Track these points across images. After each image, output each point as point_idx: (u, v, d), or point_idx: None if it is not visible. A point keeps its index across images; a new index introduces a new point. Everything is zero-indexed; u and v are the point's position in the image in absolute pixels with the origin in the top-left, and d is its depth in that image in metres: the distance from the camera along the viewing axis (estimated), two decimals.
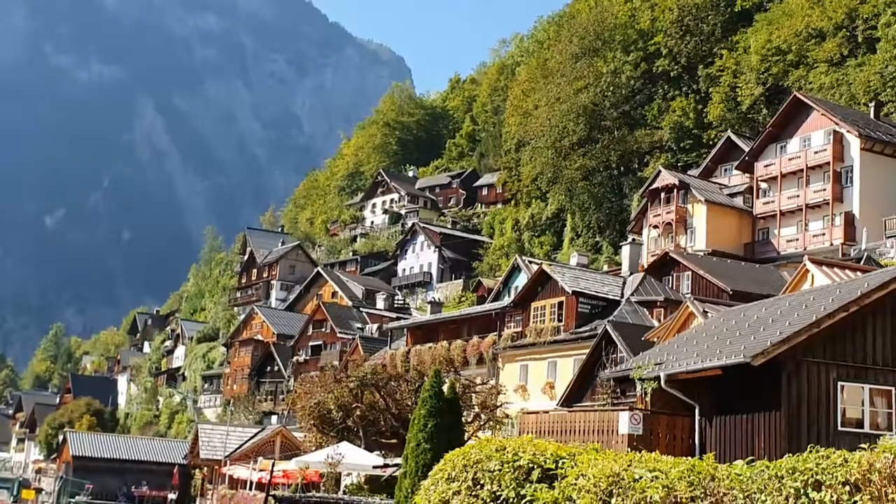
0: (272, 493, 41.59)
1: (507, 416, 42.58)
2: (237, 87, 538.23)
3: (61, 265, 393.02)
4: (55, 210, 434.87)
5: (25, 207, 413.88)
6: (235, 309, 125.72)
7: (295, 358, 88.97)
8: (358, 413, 43.12)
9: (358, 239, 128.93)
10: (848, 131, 59.45)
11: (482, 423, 42.38)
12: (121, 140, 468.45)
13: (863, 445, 7.27)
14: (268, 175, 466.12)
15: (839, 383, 21.96)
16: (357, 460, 38.76)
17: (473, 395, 43.01)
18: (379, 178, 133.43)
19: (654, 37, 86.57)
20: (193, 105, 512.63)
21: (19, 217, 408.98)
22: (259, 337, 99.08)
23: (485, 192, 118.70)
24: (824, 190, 60.24)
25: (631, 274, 57.96)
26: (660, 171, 69.02)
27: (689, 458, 8.20)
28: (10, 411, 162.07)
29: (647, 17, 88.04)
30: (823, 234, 59.82)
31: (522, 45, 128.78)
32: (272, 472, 43.53)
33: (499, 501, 8.98)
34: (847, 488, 6.86)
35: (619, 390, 30.56)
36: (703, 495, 7.52)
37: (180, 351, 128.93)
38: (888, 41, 64.43)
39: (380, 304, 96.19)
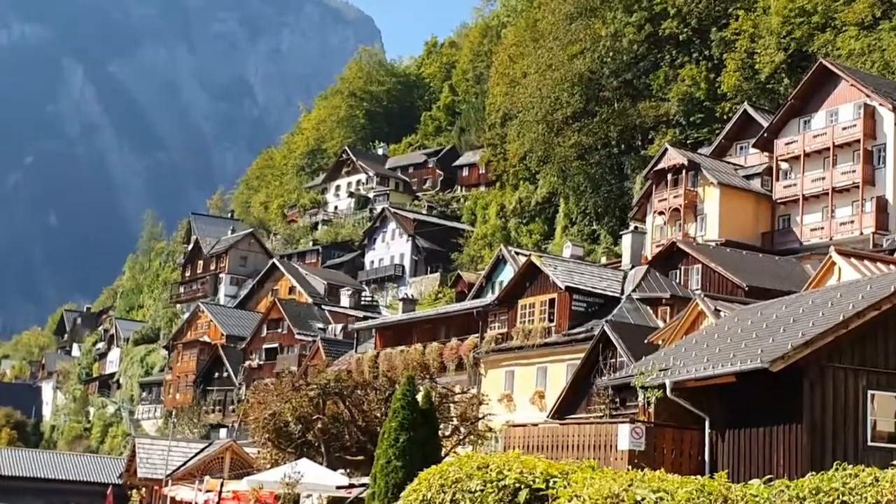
0: None
1: (491, 429, 42.62)
2: (180, 51, 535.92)
3: None
4: None
5: None
6: (178, 306, 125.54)
7: (247, 363, 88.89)
8: (319, 426, 43.09)
9: (319, 226, 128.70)
10: (881, 104, 59.66)
11: (462, 437, 42.43)
12: (45, 112, 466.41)
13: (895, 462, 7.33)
14: (216, 153, 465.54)
15: (869, 392, 22.07)
16: (318, 479, 38.74)
17: (452, 405, 43.03)
18: (344, 156, 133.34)
19: None
20: (129, 71, 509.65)
21: None
22: (205, 338, 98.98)
23: (465, 172, 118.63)
24: (853, 171, 60.44)
25: (633, 267, 58.16)
26: (666, 150, 69.12)
27: (699, 476, 8.24)
28: None
29: None
30: (852, 222, 60.10)
31: (509, 4, 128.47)
32: (220, 493, 43.46)
33: None
34: None
35: (618, 400, 30.68)
36: None
37: (114, 354, 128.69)
38: None
39: (344, 301, 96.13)
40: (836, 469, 7.37)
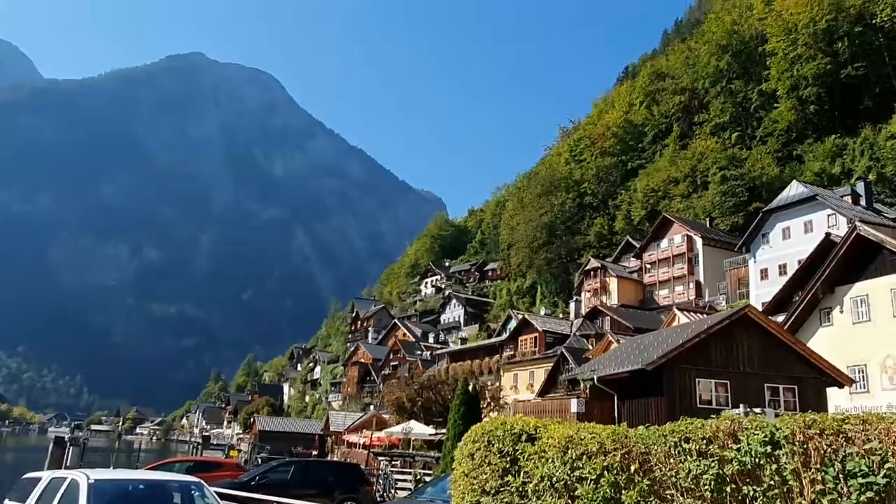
0: (372, 450, 41.03)
1: (506, 403, 42.00)
2: (349, 219, 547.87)
3: (252, 322, 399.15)
4: (247, 290, 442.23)
5: (228, 290, 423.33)
6: (348, 344, 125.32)
7: (382, 372, 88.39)
8: (420, 403, 42.70)
9: (417, 303, 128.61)
10: (695, 234, 59.29)
11: (491, 408, 41.85)
12: (284, 252, 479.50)
13: (713, 416, 7.15)
14: (367, 267, 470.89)
15: (697, 379, 21.61)
16: (420, 431, 38.28)
17: (486, 391, 42.53)
18: (428, 267, 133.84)
19: (583, 184, 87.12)
20: (326, 230, 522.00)
21: (226, 296, 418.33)
22: (362, 360, 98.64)
23: (490, 273, 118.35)
24: (683, 268, 59.82)
25: (576, 318, 57.57)
26: (590, 260, 68.92)
27: (613, 425, 8.11)
28: (223, 405, 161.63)
29: (579, 173, 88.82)
30: (684, 294, 59.22)
31: (509, 189, 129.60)
32: (371, 438, 42.98)
33: (502, 454, 8.87)
34: (704, 441, 6.75)
35: (571, 386, 30.19)
36: (621, 447, 7.41)
37: (318, 369, 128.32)
38: (715, 184, 64.63)
39: (431, 340, 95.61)
40: (682, 420, 7.19)
